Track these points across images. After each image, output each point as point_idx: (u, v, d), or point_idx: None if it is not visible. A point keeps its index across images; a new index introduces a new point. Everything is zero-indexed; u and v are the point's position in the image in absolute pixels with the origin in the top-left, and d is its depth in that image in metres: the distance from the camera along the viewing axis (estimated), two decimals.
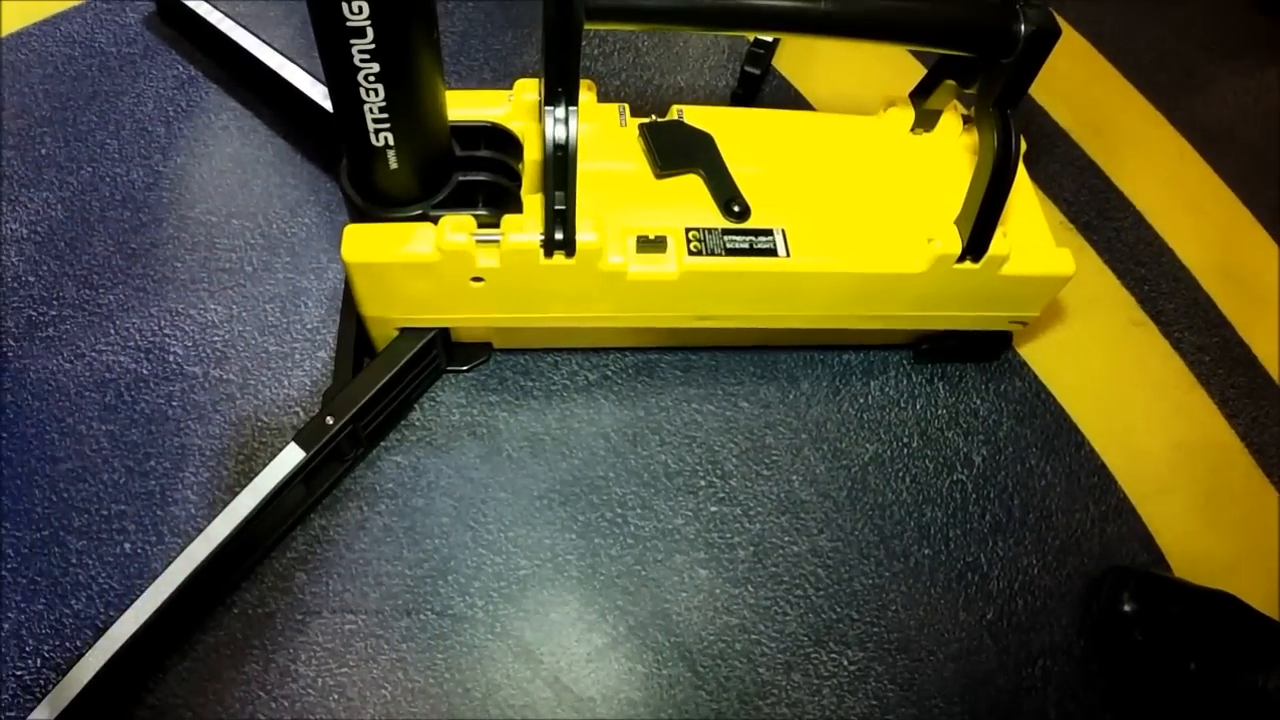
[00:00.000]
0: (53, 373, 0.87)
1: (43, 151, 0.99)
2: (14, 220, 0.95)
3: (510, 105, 0.79)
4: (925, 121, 0.86)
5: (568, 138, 0.68)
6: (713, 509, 0.84)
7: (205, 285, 0.92)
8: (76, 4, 1.10)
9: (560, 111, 0.67)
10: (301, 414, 0.85)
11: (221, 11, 1.02)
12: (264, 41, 1.00)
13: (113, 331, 0.89)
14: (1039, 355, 0.96)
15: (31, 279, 0.92)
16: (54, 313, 0.90)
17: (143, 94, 1.04)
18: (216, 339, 0.89)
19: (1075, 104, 1.14)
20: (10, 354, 0.87)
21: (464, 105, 0.78)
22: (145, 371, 0.87)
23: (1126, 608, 0.82)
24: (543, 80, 0.76)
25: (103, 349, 0.88)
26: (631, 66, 1.10)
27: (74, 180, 0.98)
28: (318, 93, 0.95)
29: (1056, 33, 0.69)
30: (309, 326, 0.90)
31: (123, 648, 0.69)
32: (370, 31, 0.62)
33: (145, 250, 0.93)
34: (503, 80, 1.04)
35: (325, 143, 0.99)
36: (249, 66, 1.00)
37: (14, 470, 0.82)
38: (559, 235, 0.71)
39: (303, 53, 1.04)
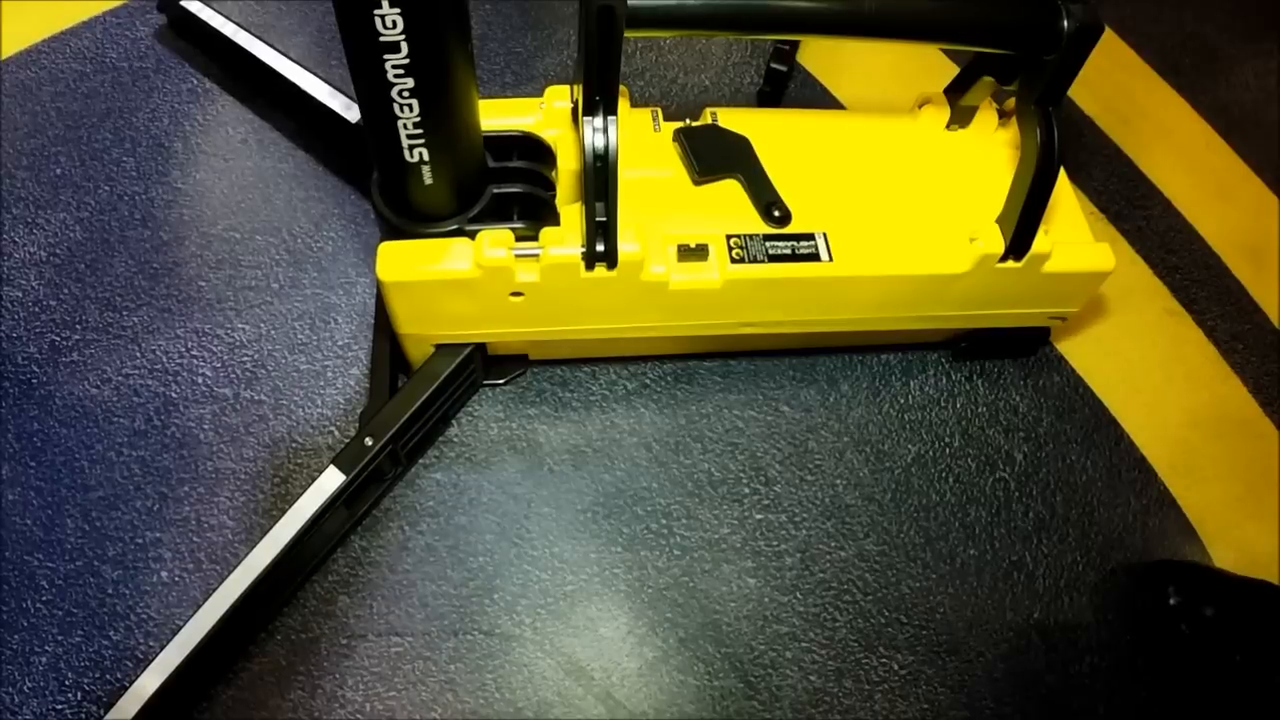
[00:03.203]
0: (79, 399, 0.85)
1: (58, 171, 0.98)
2: (32, 243, 0.93)
3: (542, 113, 0.78)
4: (961, 118, 0.84)
5: (608, 148, 0.66)
6: (758, 517, 0.83)
7: (231, 304, 0.90)
8: (85, 19, 1.08)
9: (599, 121, 0.66)
10: (337, 433, 0.84)
11: (235, 23, 1.01)
12: (280, 52, 0.98)
13: (139, 354, 0.88)
14: (1076, 349, 0.95)
15: (53, 303, 0.90)
16: (77, 337, 0.88)
17: (158, 109, 1.02)
18: (246, 359, 0.87)
19: (1100, 92, 1.13)
20: (35, 380, 0.86)
21: (495, 115, 0.77)
22: (174, 395, 0.86)
23: (1172, 601, 0.82)
24: (574, 87, 0.75)
25: (130, 373, 0.87)
26: (655, 66, 1.09)
27: (91, 200, 0.96)
28: (338, 103, 0.93)
29: (1100, 29, 0.68)
30: (340, 343, 0.88)
31: (169, 678, 0.68)
32: (404, 46, 0.60)
33: (168, 270, 0.92)
34: (525, 83, 1.03)
35: (347, 154, 0.97)
36: (265, 78, 0.98)
37: (44, 500, 0.81)
38: (600, 247, 0.70)
39: (320, 62, 1.03)
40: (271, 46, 0.98)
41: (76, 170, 0.98)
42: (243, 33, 1.00)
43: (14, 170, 0.98)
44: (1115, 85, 1.15)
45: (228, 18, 1.01)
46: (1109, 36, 1.16)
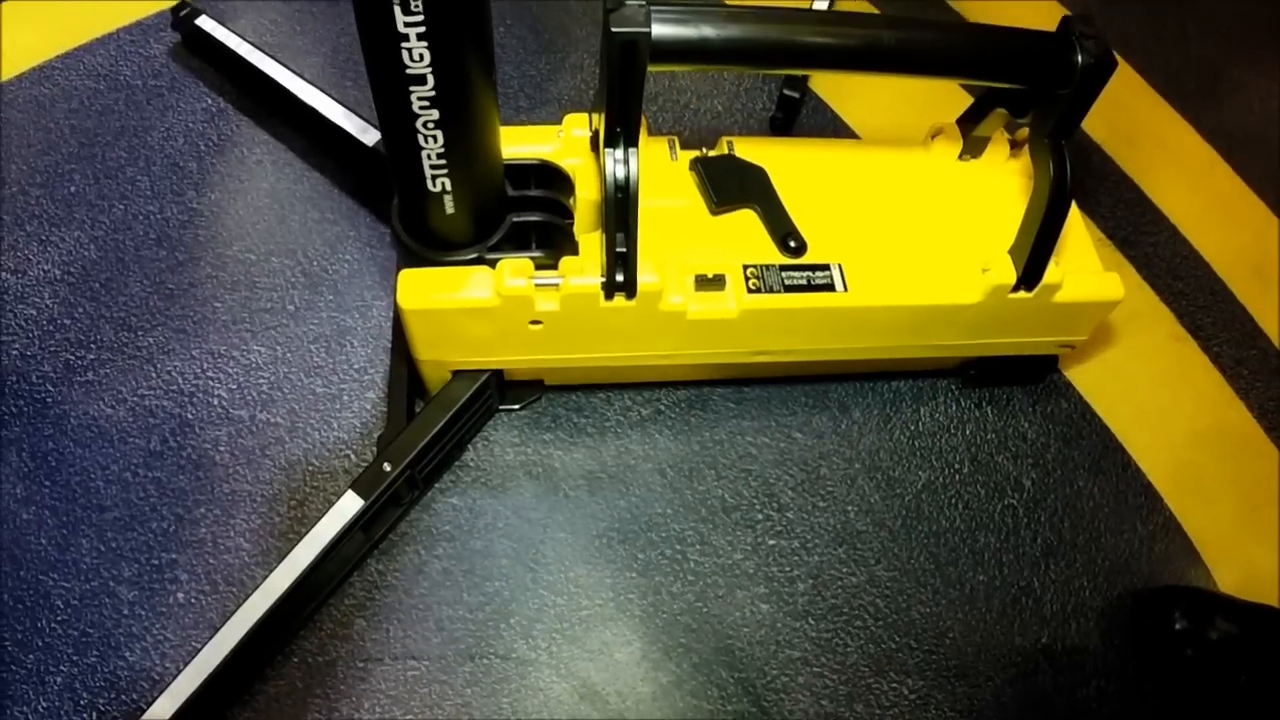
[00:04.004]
0: (94, 418, 0.86)
1: (72, 189, 0.98)
2: (46, 261, 0.94)
3: (560, 142, 0.79)
4: (973, 148, 0.85)
5: (628, 179, 0.67)
6: (771, 542, 0.84)
7: (247, 326, 0.91)
8: (98, 35, 1.09)
9: (620, 153, 0.67)
10: (353, 457, 0.85)
11: (250, 42, 1.01)
12: (294, 72, 0.98)
13: (154, 375, 0.88)
14: (1083, 375, 0.96)
15: (67, 321, 0.90)
16: (92, 356, 0.89)
17: (172, 128, 1.02)
18: (262, 381, 0.88)
19: (1106, 115, 1.14)
20: (50, 399, 0.86)
21: (514, 142, 0.78)
22: (190, 416, 0.86)
23: (1178, 626, 0.83)
24: (592, 115, 0.76)
25: (145, 393, 0.87)
26: (668, 91, 1.09)
27: (106, 219, 0.96)
28: (353, 125, 0.93)
29: (1113, 64, 0.68)
30: (356, 367, 0.89)
31: (187, 701, 0.69)
32: (431, 79, 0.61)
33: (183, 290, 0.92)
34: (539, 107, 1.04)
35: (363, 176, 0.97)
36: (280, 98, 0.98)
37: (59, 519, 0.81)
38: (620, 277, 0.71)
39: (333, 83, 1.03)
40: (286, 67, 0.99)
41: (91, 188, 0.98)
42: (257, 53, 1.00)
43: (27, 187, 0.98)
44: (1121, 109, 1.16)
45: (242, 37, 1.02)
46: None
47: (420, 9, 0.57)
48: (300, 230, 0.97)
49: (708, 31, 0.63)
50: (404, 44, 0.59)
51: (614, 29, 0.60)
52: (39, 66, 1.06)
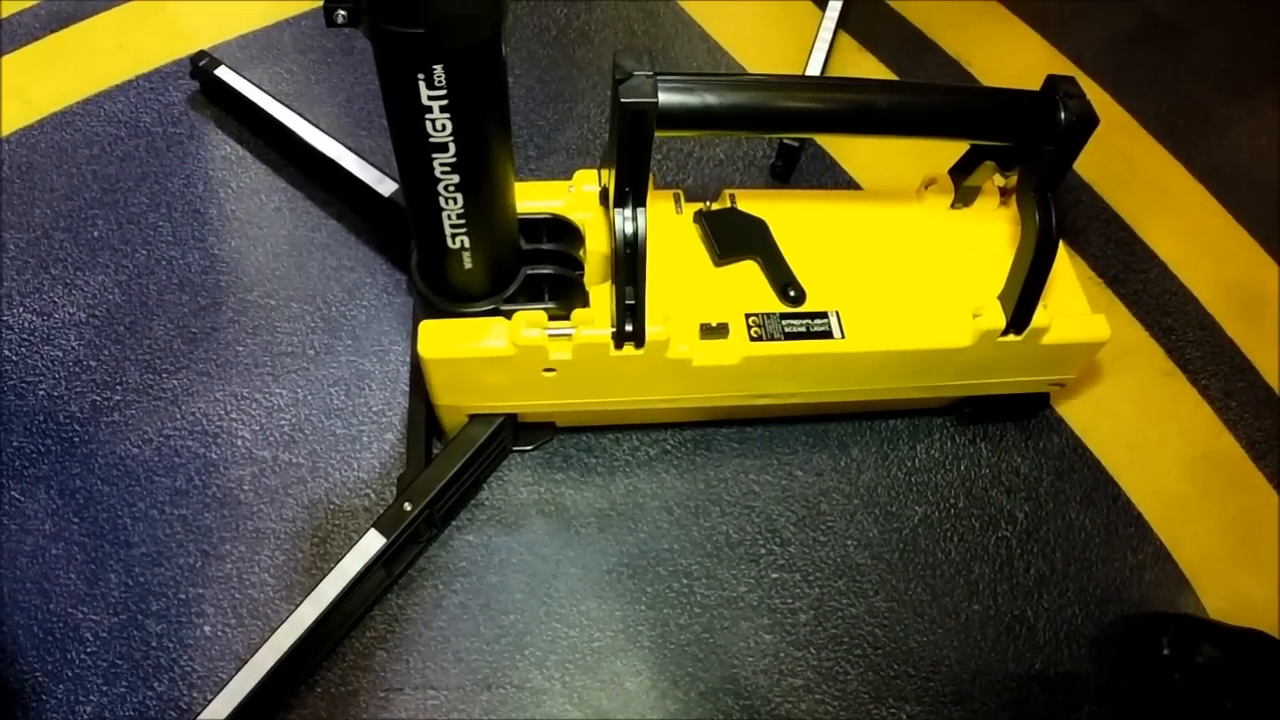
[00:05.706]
0: (121, 457, 0.89)
1: (95, 234, 1.01)
2: (71, 304, 0.97)
3: (571, 196, 0.82)
4: (965, 197, 0.89)
5: (637, 237, 0.70)
6: (774, 576, 0.87)
7: (269, 369, 0.94)
8: (118, 82, 1.12)
9: (629, 212, 0.70)
10: (373, 496, 0.88)
11: (267, 92, 1.04)
12: (309, 122, 1.02)
13: (179, 416, 0.91)
14: (1075, 411, 0.99)
15: (93, 363, 0.94)
16: (118, 397, 0.92)
17: (192, 175, 1.06)
18: (283, 423, 0.91)
19: (1097, 156, 1.16)
20: (77, 439, 0.90)
21: (527, 197, 0.81)
22: (214, 456, 0.89)
23: (1165, 651, 0.85)
24: (601, 172, 0.80)
25: (170, 433, 0.90)
26: (671, 140, 1.12)
27: (129, 264, 1.00)
28: (369, 176, 0.97)
29: (1095, 121, 0.72)
30: (374, 409, 0.92)
31: None
32: (452, 146, 0.65)
33: (206, 334, 0.96)
34: (547, 156, 1.07)
35: (379, 225, 1.01)
36: (296, 147, 1.02)
37: (88, 555, 0.84)
38: (629, 328, 0.74)
39: (348, 132, 1.06)
40: (302, 117, 1.02)
41: (114, 233, 1.01)
42: (275, 103, 1.03)
43: (51, 231, 1.01)
44: (1112, 149, 1.19)
45: (259, 87, 1.05)
46: (1105, 100, 1.21)
47: (443, 84, 0.60)
48: (319, 276, 1.00)
49: (711, 100, 0.66)
50: (428, 115, 0.62)
51: (624, 99, 0.63)
52: (60, 112, 1.10)
